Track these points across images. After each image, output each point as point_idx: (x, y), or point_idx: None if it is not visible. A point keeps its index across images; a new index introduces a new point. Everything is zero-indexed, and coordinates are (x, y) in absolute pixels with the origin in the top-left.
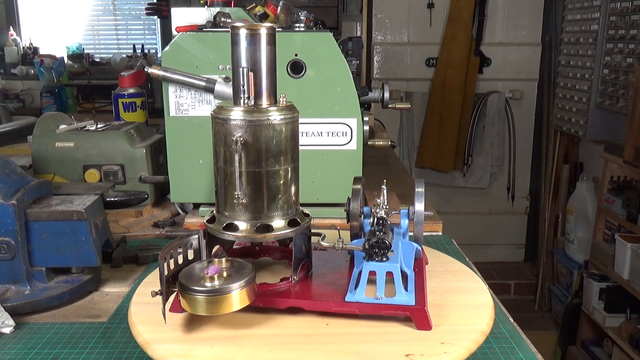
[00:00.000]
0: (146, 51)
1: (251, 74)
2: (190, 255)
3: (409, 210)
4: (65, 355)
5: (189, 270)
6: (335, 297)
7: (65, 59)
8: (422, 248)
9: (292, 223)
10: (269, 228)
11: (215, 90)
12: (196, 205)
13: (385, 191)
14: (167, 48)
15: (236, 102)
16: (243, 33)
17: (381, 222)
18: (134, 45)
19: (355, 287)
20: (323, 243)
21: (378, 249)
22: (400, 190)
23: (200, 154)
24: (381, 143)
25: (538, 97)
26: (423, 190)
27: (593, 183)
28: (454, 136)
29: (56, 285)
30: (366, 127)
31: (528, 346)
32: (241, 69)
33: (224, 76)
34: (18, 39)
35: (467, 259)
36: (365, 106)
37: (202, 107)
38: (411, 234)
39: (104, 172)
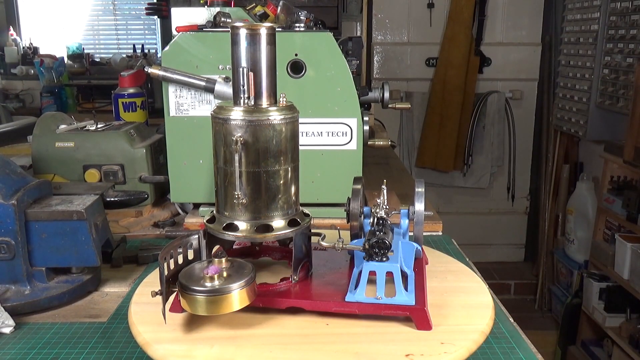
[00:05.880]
0: (146, 51)
1: (251, 74)
2: (190, 255)
3: (409, 210)
4: (65, 355)
5: (189, 270)
6: (335, 297)
7: (65, 59)
8: (422, 248)
9: (292, 223)
10: (269, 228)
11: (215, 90)
12: (196, 205)
13: (385, 191)
14: (167, 48)
15: (236, 102)
16: (243, 33)
17: (381, 222)
18: (134, 45)
19: (355, 287)
20: (323, 243)
21: (378, 249)
22: (400, 190)
23: (200, 154)
24: (381, 143)
25: (538, 97)
26: (423, 190)
27: (593, 183)
28: (454, 136)
29: (56, 285)
30: (366, 127)
31: (528, 346)
32: (241, 69)
33: (224, 76)
34: (18, 39)
35: (467, 259)
36: (365, 106)
37: (202, 107)
38: (411, 234)
39: (104, 172)
